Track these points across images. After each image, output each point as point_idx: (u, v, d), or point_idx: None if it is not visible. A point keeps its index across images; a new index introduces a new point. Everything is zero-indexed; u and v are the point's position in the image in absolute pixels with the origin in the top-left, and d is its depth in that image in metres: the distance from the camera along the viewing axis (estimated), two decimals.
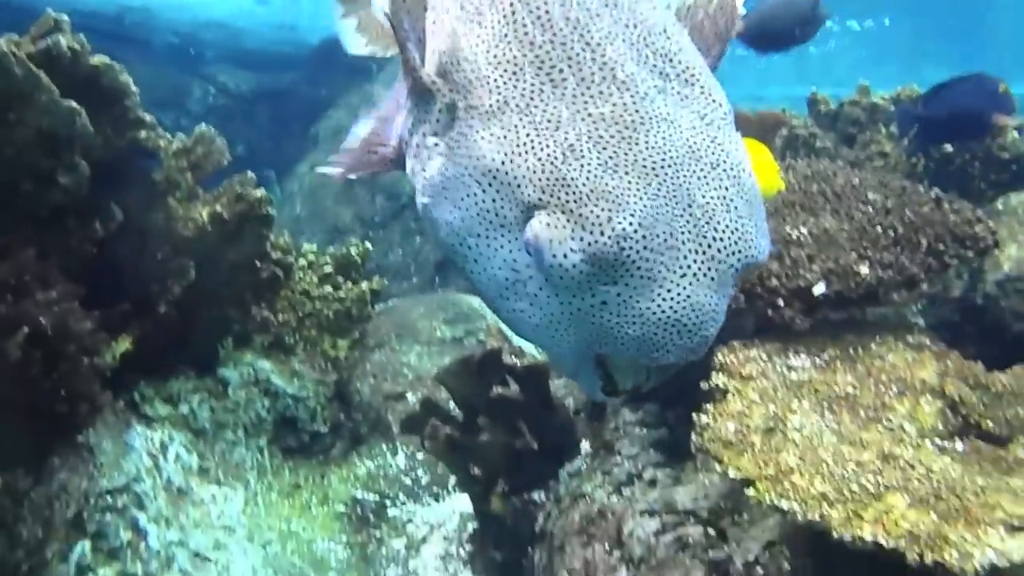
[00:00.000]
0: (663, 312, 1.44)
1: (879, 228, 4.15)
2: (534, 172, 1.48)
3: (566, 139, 1.48)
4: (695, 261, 1.45)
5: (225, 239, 4.54)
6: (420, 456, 6.03)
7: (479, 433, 4.96)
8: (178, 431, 4.67)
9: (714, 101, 1.61)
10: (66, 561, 3.69)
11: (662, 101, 1.54)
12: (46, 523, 3.60)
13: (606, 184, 1.43)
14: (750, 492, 3.23)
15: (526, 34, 1.60)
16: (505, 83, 1.57)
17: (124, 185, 4.30)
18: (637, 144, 1.47)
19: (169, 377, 4.79)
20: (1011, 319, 4.25)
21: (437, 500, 5.71)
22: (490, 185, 1.53)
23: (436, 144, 1.65)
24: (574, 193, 1.43)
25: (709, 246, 1.46)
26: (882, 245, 4.07)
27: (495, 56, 1.60)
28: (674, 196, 1.45)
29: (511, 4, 1.64)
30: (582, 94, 1.52)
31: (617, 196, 1.42)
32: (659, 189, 1.44)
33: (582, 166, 1.45)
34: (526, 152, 1.50)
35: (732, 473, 3.33)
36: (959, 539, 2.83)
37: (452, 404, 5.46)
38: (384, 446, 6.08)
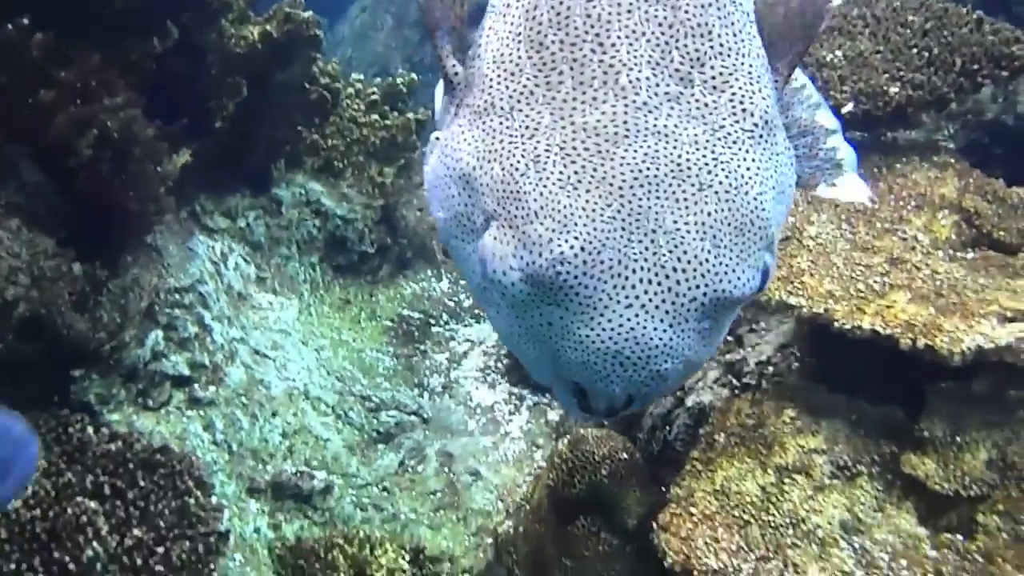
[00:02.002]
0: (602, 341, 1.35)
1: (914, 49, 4.17)
2: (495, 181, 1.41)
3: (535, 149, 1.40)
4: (645, 291, 1.34)
5: (275, 58, 4.73)
6: (463, 282, 6.37)
7: None
8: (237, 243, 5.03)
9: (743, 111, 1.47)
10: (142, 346, 4.12)
11: (667, 111, 1.43)
12: (123, 311, 4.00)
13: (558, 202, 1.35)
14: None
15: (539, 32, 1.50)
16: (498, 84, 1.50)
17: (178, 3, 4.47)
18: (612, 159, 1.37)
19: (226, 194, 5.11)
20: None
21: (477, 321, 6.07)
22: (463, 190, 1.49)
23: (437, 139, 1.61)
24: (523, 209, 1.37)
25: (667, 276, 1.34)
26: (915, 66, 4.11)
27: (501, 54, 1.53)
28: (636, 219, 1.34)
29: None
30: (573, 100, 1.43)
31: (566, 216, 1.34)
32: (619, 210, 1.34)
33: (540, 180, 1.37)
34: (493, 159, 1.43)
35: None
36: (952, 328, 3.03)
37: None
38: (428, 271, 6.42)
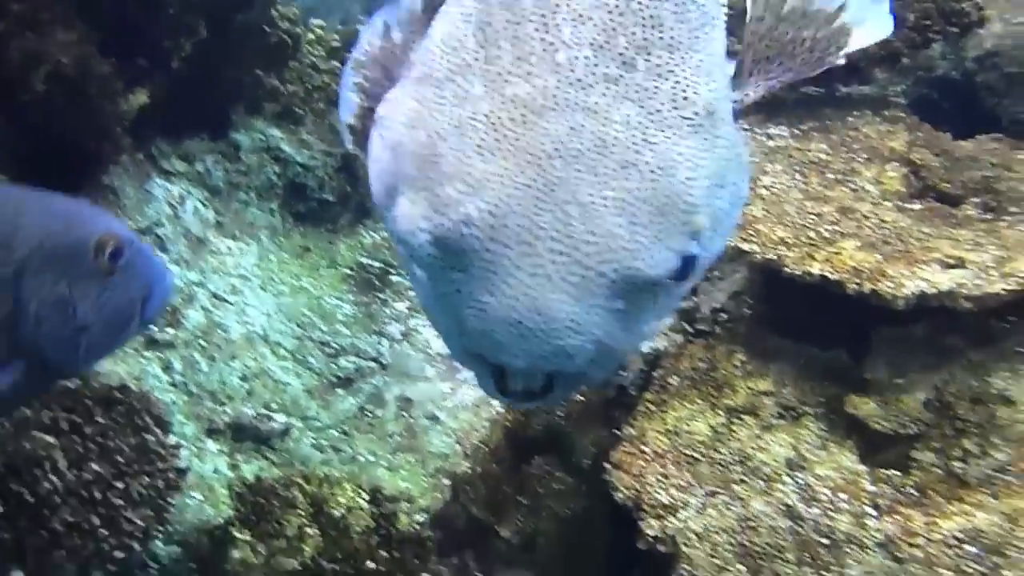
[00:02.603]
0: (503, 309, 1.32)
1: None
2: (418, 146, 1.42)
3: (460, 116, 1.41)
4: (553, 261, 1.32)
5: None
6: None
7: None
8: (194, 187, 4.98)
9: (685, 99, 1.47)
10: None
11: (602, 90, 1.42)
12: None
13: (473, 167, 1.36)
14: None
15: (487, 13, 1.53)
16: (439, 57, 1.52)
17: None
18: (533, 130, 1.38)
19: (184, 138, 5.04)
20: (985, 94, 4.42)
21: None
22: (392, 158, 1.48)
23: (379, 115, 1.61)
24: (438, 172, 1.37)
25: (576, 248, 1.32)
26: None
27: (447, 33, 1.55)
28: (550, 190, 1.34)
29: None
30: (508, 72, 1.44)
31: (477, 180, 1.35)
32: (535, 180, 1.34)
33: (459, 145, 1.38)
34: (420, 126, 1.44)
35: None
36: (897, 273, 3.15)
37: None
38: None
